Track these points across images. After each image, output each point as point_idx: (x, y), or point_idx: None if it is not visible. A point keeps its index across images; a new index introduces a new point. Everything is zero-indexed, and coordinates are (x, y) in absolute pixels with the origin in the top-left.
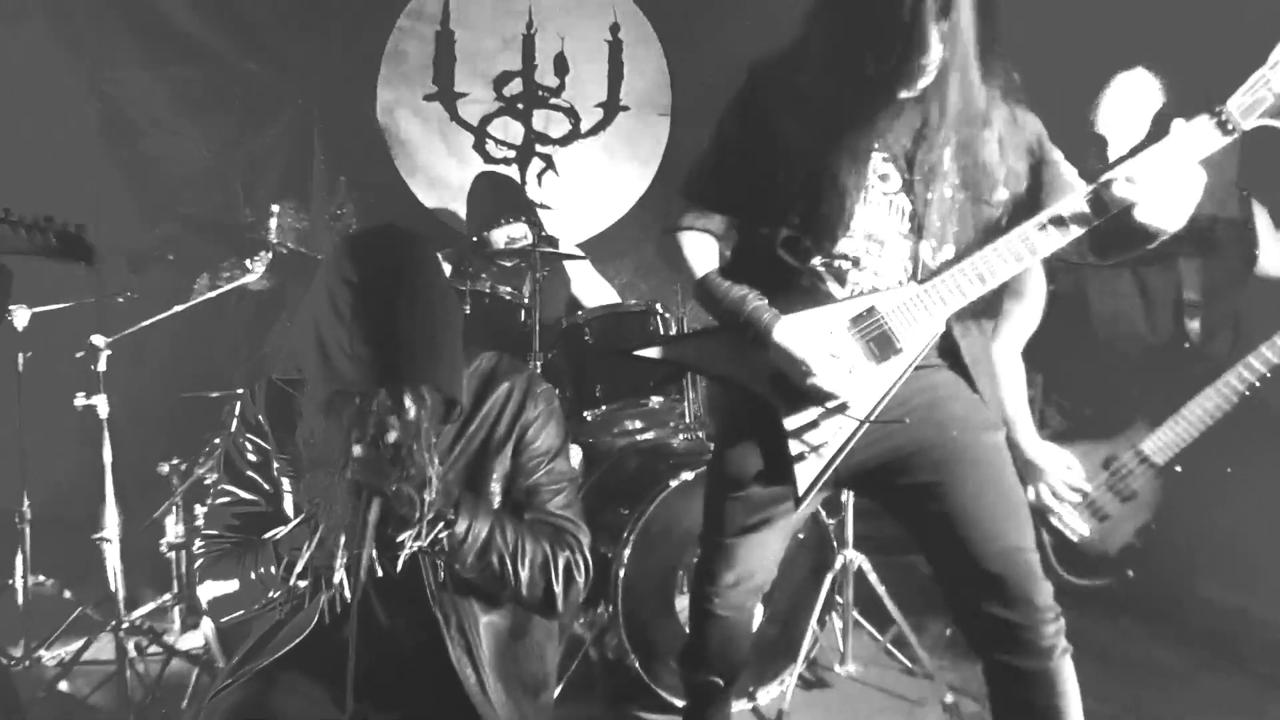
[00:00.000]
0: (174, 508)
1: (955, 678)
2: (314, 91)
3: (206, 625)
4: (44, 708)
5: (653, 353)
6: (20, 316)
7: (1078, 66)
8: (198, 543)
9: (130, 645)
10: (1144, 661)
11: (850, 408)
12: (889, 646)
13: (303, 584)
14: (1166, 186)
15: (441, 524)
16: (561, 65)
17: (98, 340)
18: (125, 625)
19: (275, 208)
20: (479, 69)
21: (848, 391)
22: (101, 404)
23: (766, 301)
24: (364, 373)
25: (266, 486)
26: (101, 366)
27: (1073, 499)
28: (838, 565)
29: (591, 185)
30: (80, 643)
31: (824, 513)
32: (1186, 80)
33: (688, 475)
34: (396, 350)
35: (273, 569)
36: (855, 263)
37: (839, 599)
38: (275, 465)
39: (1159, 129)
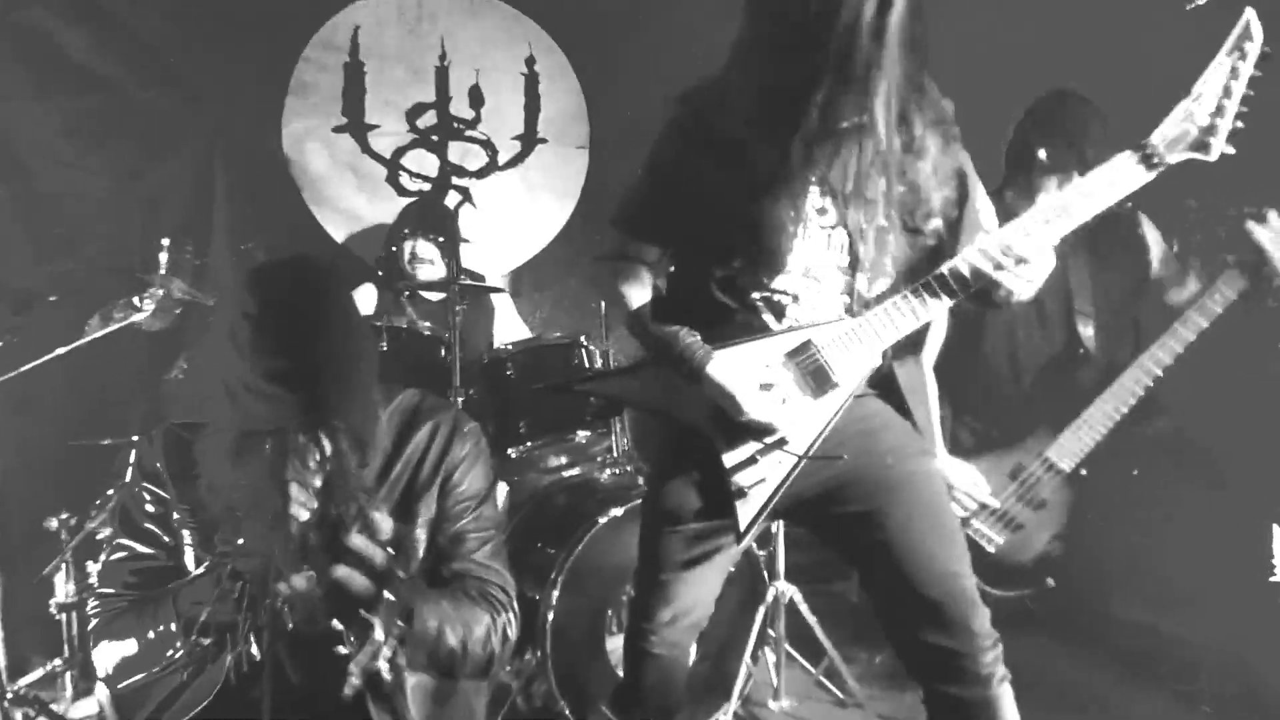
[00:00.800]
0: (64, 565)
1: (886, 707)
2: (218, 123)
3: (101, 691)
4: None
5: (590, 387)
6: None
7: (1002, 96)
8: (92, 602)
9: (18, 716)
10: (1061, 682)
11: (788, 443)
12: (821, 679)
13: (205, 642)
14: (1035, 260)
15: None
16: (477, 97)
17: None
18: (9, 696)
19: (165, 242)
20: (391, 100)
21: (784, 426)
22: None
23: (699, 337)
24: (271, 411)
25: (166, 539)
26: None
27: (973, 509)
28: (769, 598)
29: (510, 218)
30: None
31: (755, 545)
32: (1109, 110)
33: (617, 511)
34: (306, 386)
35: (173, 626)
36: (794, 299)
37: (771, 632)
38: (175, 516)
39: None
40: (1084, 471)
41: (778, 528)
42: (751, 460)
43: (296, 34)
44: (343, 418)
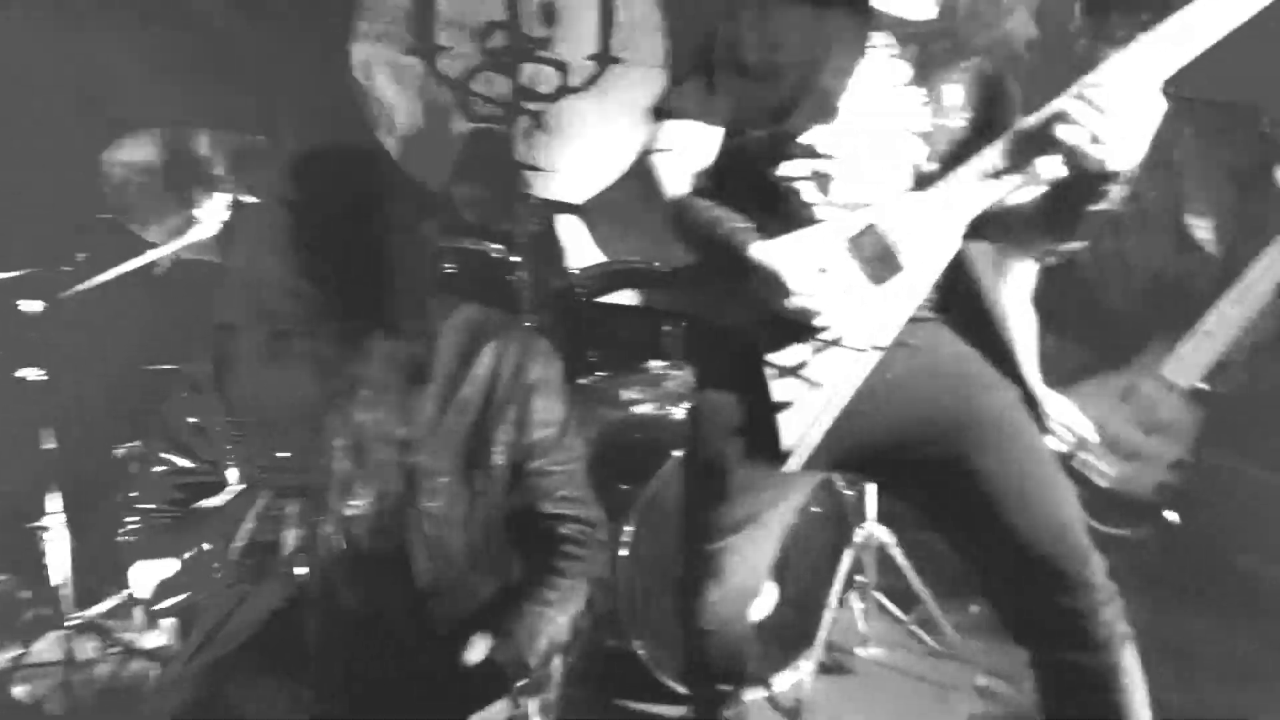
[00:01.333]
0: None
1: (987, 659)
2: (283, 50)
3: (169, 620)
4: None
5: (619, 298)
6: None
7: None
8: (129, 518)
9: (89, 646)
10: (1187, 642)
11: (844, 339)
12: (914, 628)
13: (249, 562)
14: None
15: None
16: (550, 15)
17: (24, 305)
18: (76, 623)
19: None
20: (461, 21)
21: (841, 316)
22: (32, 375)
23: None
24: (306, 311)
25: (207, 453)
26: (33, 335)
27: (1072, 444)
28: (857, 540)
29: (584, 143)
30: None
31: (841, 483)
32: None
33: (677, 454)
34: (345, 284)
35: (212, 546)
36: (845, 165)
37: (860, 578)
38: (217, 428)
39: None
40: (1209, 387)
41: None
42: (801, 364)
43: None
44: (389, 324)
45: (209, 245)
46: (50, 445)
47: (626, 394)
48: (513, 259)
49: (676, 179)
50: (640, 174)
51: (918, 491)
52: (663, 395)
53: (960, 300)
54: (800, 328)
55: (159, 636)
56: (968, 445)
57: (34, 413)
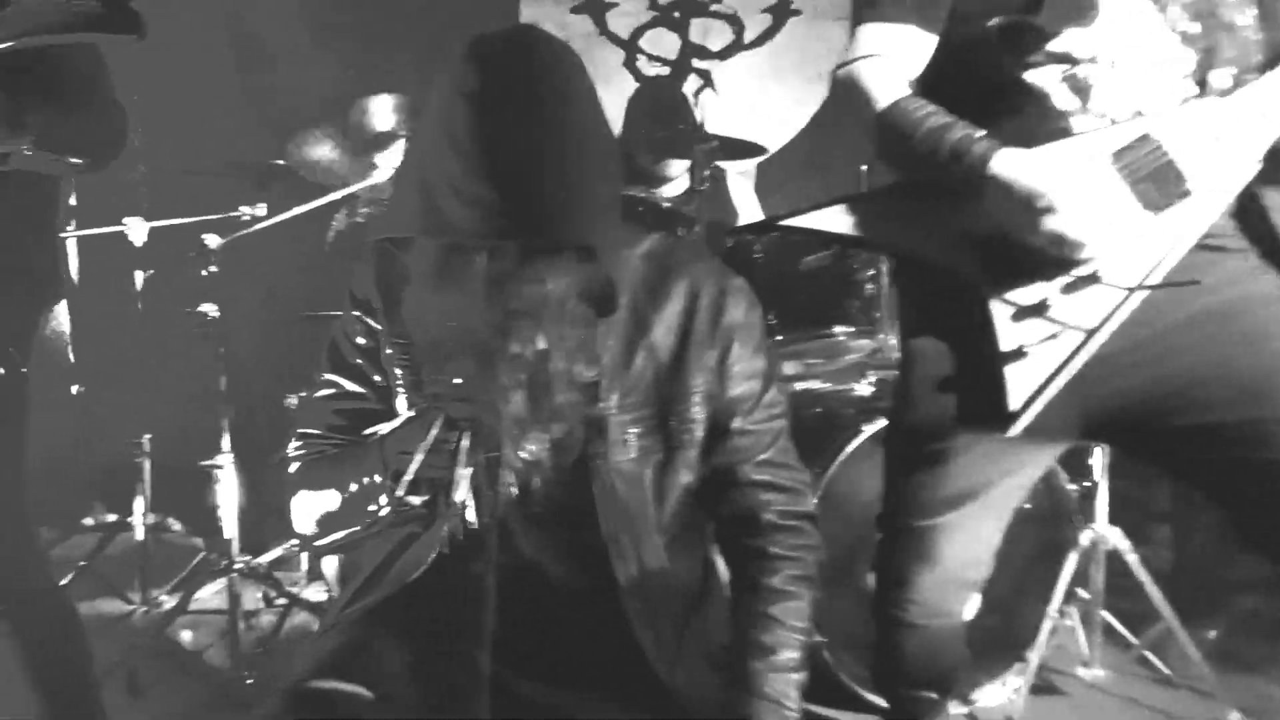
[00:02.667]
0: None
1: (1234, 695)
2: (451, 7)
3: (329, 569)
4: (150, 657)
5: (806, 221)
6: (137, 231)
7: None
8: (292, 444)
9: (258, 594)
10: None
11: (1104, 275)
12: (1145, 652)
13: (415, 501)
14: None
15: None
16: None
17: (210, 240)
18: (239, 568)
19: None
20: None
21: (1103, 246)
22: (212, 310)
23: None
24: (483, 221)
25: (376, 377)
26: (213, 269)
27: None
28: (1083, 544)
29: (755, 103)
30: (201, 590)
31: (1062, 474)
32: None
33: (868, 427)
34: (529, 189)
35: (378, 479)
36: (1107, 68)
37: (1082, 593)
38: (387, 351)
39: None
40: None
41: (1099, 453)
42: (1040, 306)
43: None
44: (577, 240)
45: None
46: (222, 387)
47: (808, 361)
48: (685, 210)
49: (886, 87)
50: (841, 87)
51: (1196, 463)
52: (845, 368)
53: (1258, 230)
54: (1045, 261)
55: (321, 589)
56: (1267, 406)
57: (209, 351)
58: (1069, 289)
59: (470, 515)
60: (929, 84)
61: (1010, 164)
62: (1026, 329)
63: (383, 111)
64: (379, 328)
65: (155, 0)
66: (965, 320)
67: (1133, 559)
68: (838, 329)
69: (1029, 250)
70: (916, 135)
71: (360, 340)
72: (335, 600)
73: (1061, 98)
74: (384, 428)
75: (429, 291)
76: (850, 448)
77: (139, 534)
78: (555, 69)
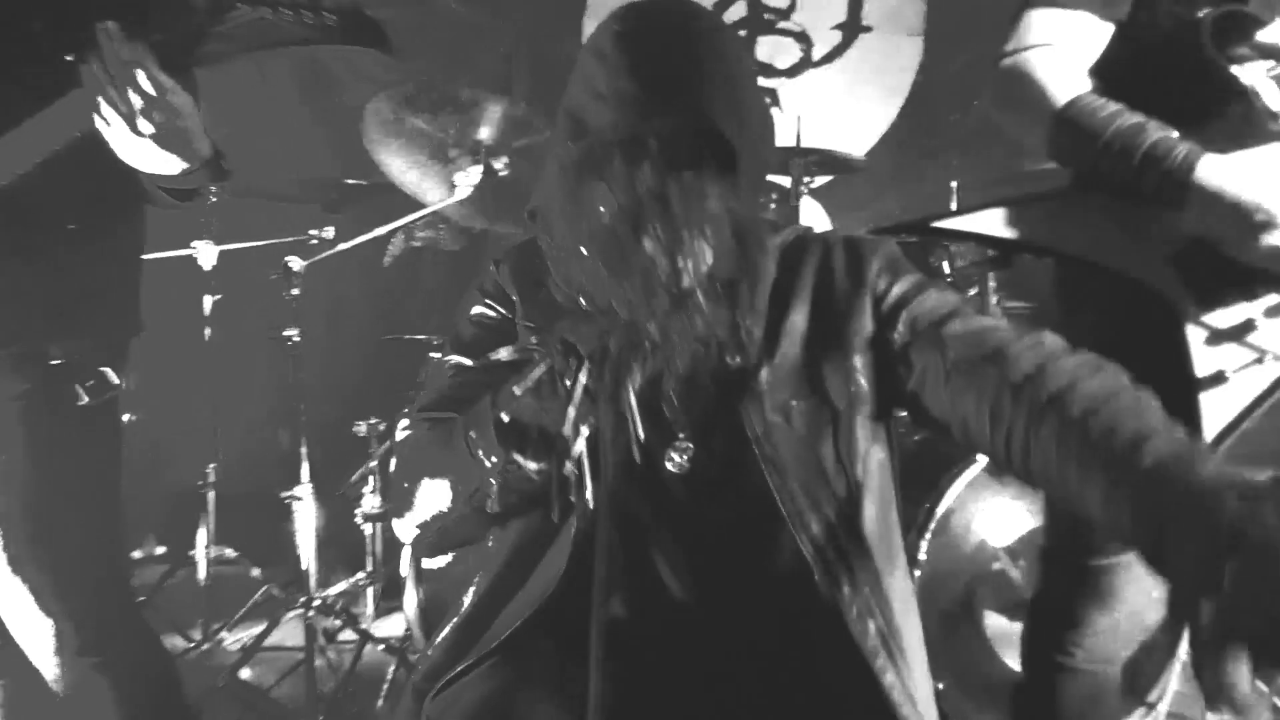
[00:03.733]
0: (370, 474)
1: None
2: (516, 29)
3: (409, 606)
4: (223, 697)
5: (969, 223)
6: (206, 254)
7: None
8: (401, 424)
9: (320, 630)
10: None
11: None
12: (1277, 699)
13: (531, 465)
14: None
15: None
16: None
17: (294, 262)
18: (315, 605)
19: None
20: None
21: None
22: (295, 335)
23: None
24: (620, 110)
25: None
26: (295, 291)
27: None
28: None
29: (825, 122)
30: (264, 625)
31: None
32: None
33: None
34: (671, 74)
35: (481, 454)
36: None
37: None
38: (521, 330)
39: None
40: None
41: None
42: (1245, 327)
43: None
44: (720, 124)
45: (461, 210)
46: (302, 413)
47: None
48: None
49: (1063, 80)
50: (1008, 79)
51: None
52: None
53: None
54: (1253, 278)
55: (393, 624)
56: None
57: (282, 376)
58: (1276, 311)
59: (588, 492)
60: (1108, 77)
61: (1218, 171)
62: (1226, 353)
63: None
64: (508, 314)
65: None
66: (1155, 341)
67: None
68: None
69: (1234, 266)
70: (1105, 135)
71: (490, 318)
72: (435, 636)
73: (1272, 97)
74: (501, 355)
75: (568, 196)
76: (964, 478)
77: (201, 568)
78: (707, 21)
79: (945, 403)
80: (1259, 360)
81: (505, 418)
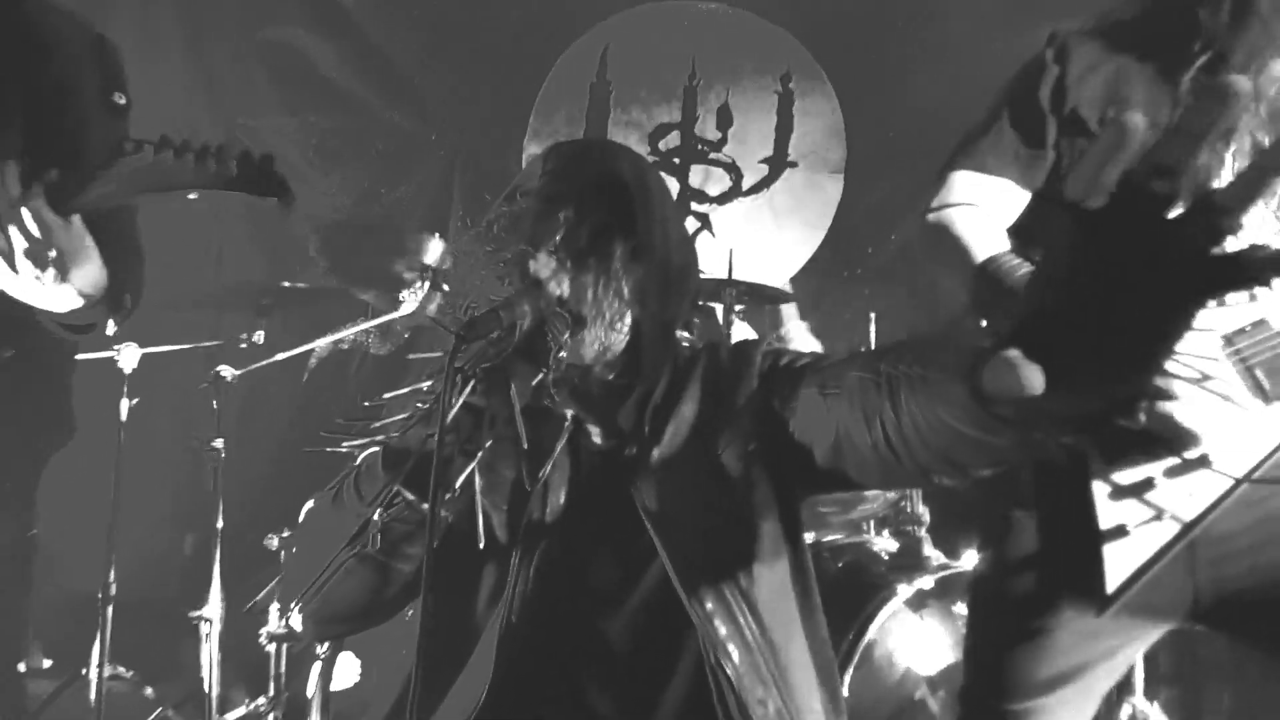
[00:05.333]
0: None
1: None
2: (458, 144)
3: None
4: None
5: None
6: (129, 356)
7: None
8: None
9: None
10: None
11: (1215, 460)
12: None
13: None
14: None
15: None
16: (725, 117)
17: (225, 371)
18: None
19: (436, 235)
20: (634, 121)
21: (1211, 431)
22: (220, 445)
23: None
24: (545, 172)
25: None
26: (224, 403)
27: None
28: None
29: (751, 249)
30: None
31: None
32: None
33: (925, 582)
34: (592, 157)
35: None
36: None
37: None
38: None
39: None
40: None
41: None
42: (1145, 484)
43: (544, 55)
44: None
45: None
46: (219, 524)
47: (823, 509)
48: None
49: (983, 238)
50: (934, 232)
51: None
52: (859, 519)
53: None
54: (1151, 440)
55: None
56: None
57: (193, 503)
58: (1175, 472)
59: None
60: (1024, 238)
61: None
62: (1128, 509)
63: (432, 251)
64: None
65: (153, 119)
66: (1064, 491)
67: None
68: None
69: (1137, 430)
70: (1019, 294)
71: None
72: None
73: None
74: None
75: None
76: (887, 610)
77: (93, 685)
78: (637, 169)
79: (826, 425)
80: (1158, 518)
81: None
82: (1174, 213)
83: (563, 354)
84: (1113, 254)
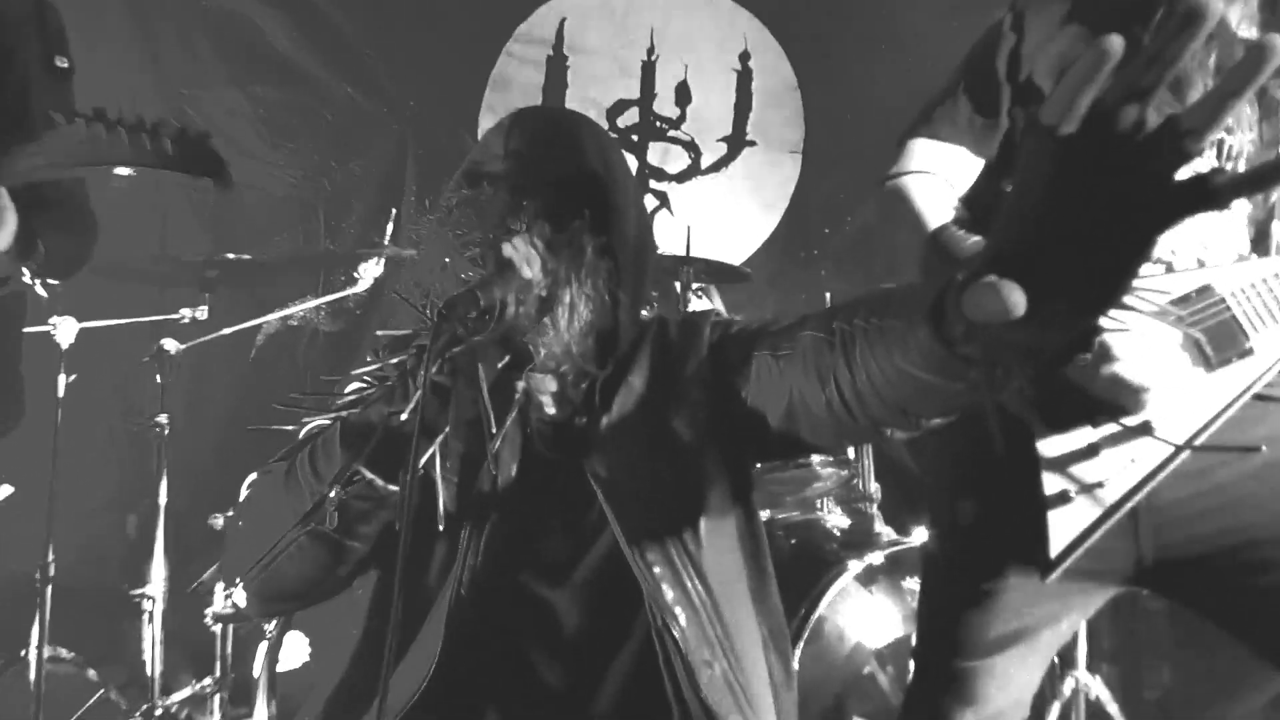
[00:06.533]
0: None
1: None
2: (411, 117)
3: (260, 713)
4: None
5: None
6: (66, 330)
7: None
8: (248, 481)
9: None
10: None
11: (1156, 427)
12: None
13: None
14: None
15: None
16: (683, 94)
17: (169, 345)
18: (158, 713)
19: (393, 212)
20: (592, 97)
21: (1155, 400)
22: (164, 422)
23: None
24: (510, 162)
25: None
26: (169, 378)
27: None
28: (1065, 693)
29: (710, 227)
30: None
31: None
32: None
33: (875, 557)
34: (556, 142)
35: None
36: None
37: None
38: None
39: None
40: None
41: None
42: (1088, 451)
43: (499, 27)
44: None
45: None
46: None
47: (778, 488)
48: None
49: (936, 207)
50: (890, 198)
51: (1250, 616)
52: (813, 496)
53: None
54: (1094, 406)
55: None
56: None
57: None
58: (1119, 438)
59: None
60: (975, 208)
61: None
62: (1073, 474)
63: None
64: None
65: (96, 90)
66: (1008, 456)
67: (1112, 709)
68: (815, 457)
69: (1081, 394)
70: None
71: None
72: None
73: None
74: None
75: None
76: (837, 585)
77: (32, 669)
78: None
79: (780, 389)
80: (1100, 485)
81: (352, 418)
82: (1142, 136)
83: (538, 340)
84: (1085, 179)
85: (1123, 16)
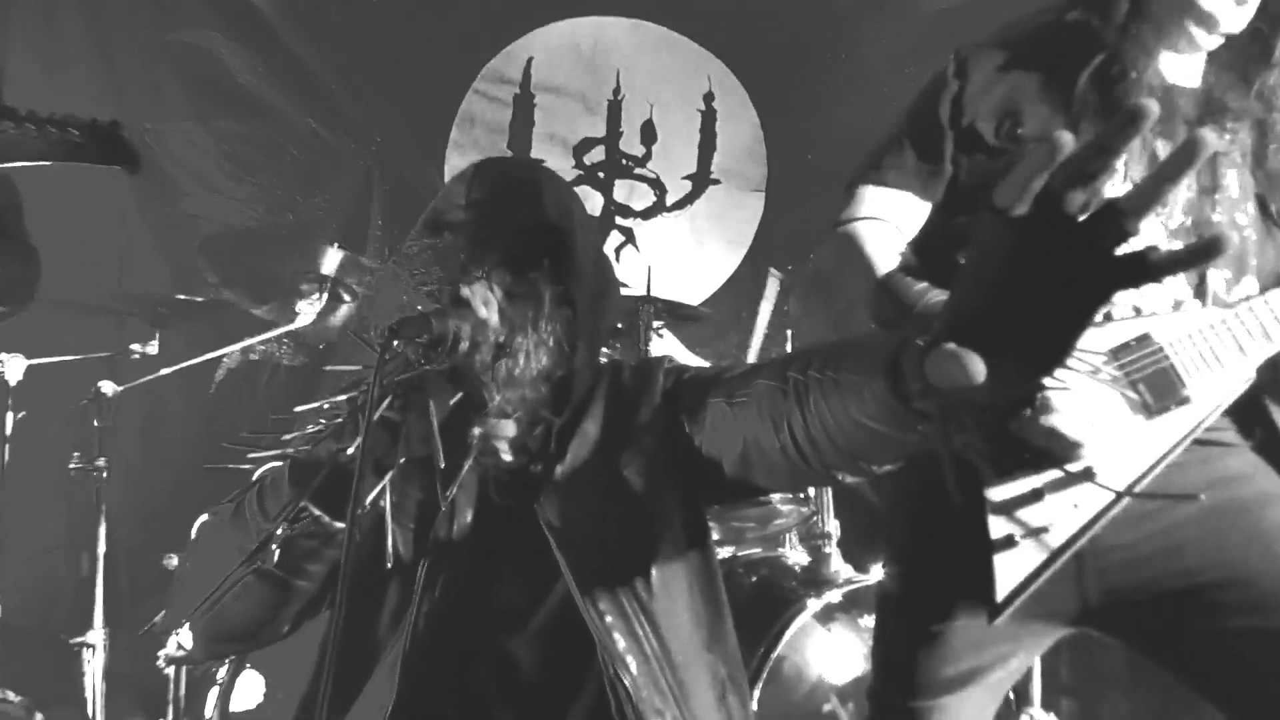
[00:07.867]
0: None
1: None
2: (377, 153)
3: None
4: None
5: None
6: (14, 367)
7: None
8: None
9: None
10: None
11: (1098, 474)
12: None
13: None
14: None
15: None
16: (649, 133)
17: (106, 387)
18: None
19: (335, 245)
20: (558, 135)
21: (1093, 449)
22: (103, 465)
23: None
24: (471, 212)
25: None
26: (106, 421)
27: None
28: None
29: (674, 263)
30: None
31: None
32: None
33: (833, 596)
34: (519, 195)
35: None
36: None
37: None
38: None
39: None
40: None
41: None
42: (1033, 496)
43: (467, 64)
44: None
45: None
46: (101, 549)
47: (737, 524)
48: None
49: (885, 253)
50: (841, 242)
51: (1216, 671)
52: (775, 533)
53: (1252, 424)
54: (1038, 453)
55: None
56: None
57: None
58: (1062, 484)
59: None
60: (924, 252)
61: None
62: (1018, 519)
63: (329, 262)
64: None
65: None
66: (960, 507)
67: None
68: (774, 495)
69: (1022, 443)
70: (916, 309)
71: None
72: None
73: None
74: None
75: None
76: (796, 624)
77: None
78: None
79: (734, 435)
80: (1045, 530)
81: (301, 455)
82: (1083, 218)
83: (492, 386)
84: (1036, 255)
85: (1058, 61)
